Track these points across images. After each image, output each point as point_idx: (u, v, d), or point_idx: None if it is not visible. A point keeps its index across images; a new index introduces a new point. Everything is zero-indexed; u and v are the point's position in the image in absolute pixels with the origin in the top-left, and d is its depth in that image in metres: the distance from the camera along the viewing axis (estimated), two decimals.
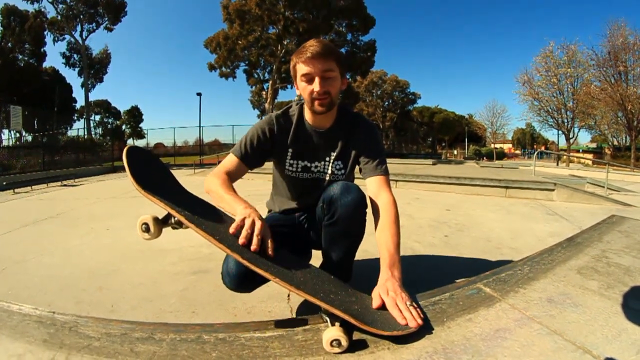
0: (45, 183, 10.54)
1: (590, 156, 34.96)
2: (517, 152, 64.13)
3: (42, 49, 33.42)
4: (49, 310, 1.35)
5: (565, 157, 26.19)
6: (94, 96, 39.92)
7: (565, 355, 0.94)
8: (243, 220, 1.22)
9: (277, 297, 2.02)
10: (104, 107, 43.67)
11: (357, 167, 1.80)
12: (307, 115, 1.72)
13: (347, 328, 1.01)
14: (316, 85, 1.54)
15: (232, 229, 1.19)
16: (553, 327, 1.06)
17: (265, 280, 1.32)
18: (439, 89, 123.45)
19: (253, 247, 1.15)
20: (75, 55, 35.72)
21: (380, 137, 1.79)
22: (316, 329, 1.09)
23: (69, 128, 33.08)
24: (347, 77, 1.76)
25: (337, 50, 1.63)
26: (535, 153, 11.99)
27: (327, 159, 1.75)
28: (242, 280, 1.33)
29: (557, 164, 23.44)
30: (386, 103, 47.98)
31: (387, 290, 1.19)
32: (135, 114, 35.38)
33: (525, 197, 5.49)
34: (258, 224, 1.22)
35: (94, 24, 33.28)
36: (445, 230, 3.50)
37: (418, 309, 1.12)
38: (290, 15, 22.66)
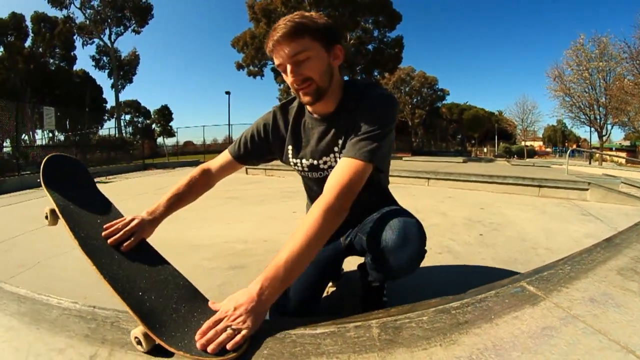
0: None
1: (623, 154, 33.95)
2: (548, 150, 62.65)
3: (72, 53, 34.77)
4: (89, 304, 1.33)
5: (597, 155, 25.48)
6: (123, 96, 40.99)
7: (610, 355, 0.93)
8: (123, 219, 1.35)
9: None
10: (134, 106, 44.67)
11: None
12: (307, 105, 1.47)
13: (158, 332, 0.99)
14: (289, 76, 1.31)
15: (107, 225, 1.31)
16: (597, 326, 1.05)
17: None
18: (468, 84, 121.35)
19: (104, 233, 1.27)
20: (104, 58, 36.95)
21: (387, 111, 1.37)
22: (367, 325, 1.08)
23: (100, 127, 33.94)
24: (340, 44, 1.40)
25: (311, 22, 1.31)
26: (568, 151, 11.72)
27: (336, 149, 1.45)
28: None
29: (590, 163, 22.81)
30: (415, 100, 47.54)
31: (228, 302, 1.07)
32: (165, 113, 36.12)
33: (558, 196, 5.39)
34: (133, 223, 1.33)
35: (121, 27, 34.52)
36: (480, 229, 3.47)
37: (237, 337, 0.97)
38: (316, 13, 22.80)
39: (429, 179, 7.04)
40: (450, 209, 4.54)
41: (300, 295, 1.45)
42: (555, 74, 27.56)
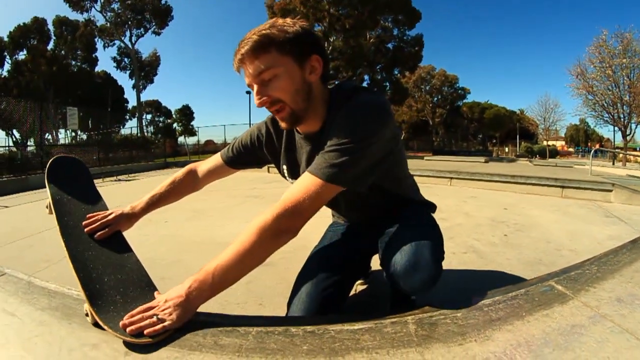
0: (101, 178, 10.98)
1: None
2: (570, 149, 61.42)
3: (93, 55, 35.75)
4: None
5: (621, 155, 24.89)
6: (145, 96, 41.70)
7: (638, 354, 0.95)
8: (104, 212, 1.47)
9: None
10: (155, 106, 45.36)
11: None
12: None
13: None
14: (255, 98, 1.17)
15: (89, 215, 1.44)
16: (625, 325, 1.07)
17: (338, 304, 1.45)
18: (489, 83, 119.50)
19: (84, 222, 1.40)
20: (125, 59, 37.71)
21: (366, 120, 1.14)
22: (404, 321, 1.10)
23: (121, 127, 34.65)
24: (317, 54, 1.21)
25: (280, 32, 1.13)
26: (592, 151, 11.51)
27: None
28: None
29: (613, 163, 22.31)
30: (435, 99, 47.09)
31: (164, 295, 1.12)
32: (186, 113, 36.62)
33: (582, 197, 5.32)
34: (110, 216, 1.44)
35: (142, 29, 35.13)
36: (504, 230, 3.47)
37: (158, 326, 1.01)
38: (336, 12, 22.80)
39: (451, 178, 7.02)
40: (474, 209, 4.53)
41: (327, 293, 1.40)
42: (578, 72, 26.93)
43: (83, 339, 1.06)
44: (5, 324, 1.18)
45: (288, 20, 1.20)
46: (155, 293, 1.20)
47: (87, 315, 1.12)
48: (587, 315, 1.12)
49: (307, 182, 1.12)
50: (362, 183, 1.19)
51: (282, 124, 1.25)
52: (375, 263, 2.10)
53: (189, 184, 1.67)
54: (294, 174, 1.42)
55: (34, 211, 5.80)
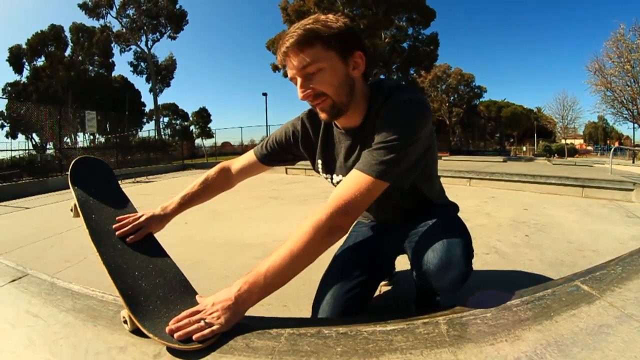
0: (119, 180, 11.10)
1: None
2: (589, 148, 60.28)
3: (110, 60, 36.36)
4: None
5: None
6: (162, 100, 42.19)
7: None
8: (134, 214, 1.48)
9: None
10: (172, 109, 45.82)
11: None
12: None
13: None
14: (299, 91, 1.19)
15: (119, 218, 1.43)
16: None
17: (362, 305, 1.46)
18: (505, 81, 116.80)
19: (115, 225, 1.38)
20: (142, 63, 38.27)
21: (409, 117, 1.16)
22: (435, 322, 1.11)
23: (139, 130, 35.11)
24: (362, 50, 1.23)
25: (322, 28, 1.15)
26: (612, 150, 11.33)
27: None
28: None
29: (633, 162, 21.84)
30: (452, 98, 46.54)
31: (210, 298, 1.12)
32: (203, 115, 36.99)
33: (602, 197, 5.26)
34: (141, 219, 1.45)
35: (157, 34, 35.61)
36: (525, 230, 3.46)
37: (206, 330, 1.01)
38: (350, 13, 22.74)
39: (470, 178, 6.99)
40: (495, 209, 4.52)
41: (352, 294, 1.40)
42: (596, 67, 26.35)
43: (110, 342, 1.06)
44: (29, 326, 1.19)
45: (331, 16, 1.22)
46: (197, 296, 1.20)
47: (125, 322, 1.09)
48: (614, 315, 1.13)
49: (358, 179, 1.14)
50: (408, 179, 1.21)
51: (323, 117, 1.26)
52: (400, 264, 2.14)
53: (222, 182, 1.67)
54: (329, 169, 1.45)
55: (54, 212, 5.93)
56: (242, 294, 1.07)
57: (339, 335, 1.06)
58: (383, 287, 2.13)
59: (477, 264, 2.41)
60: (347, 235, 1.69)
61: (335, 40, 1.16)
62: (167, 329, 1.01)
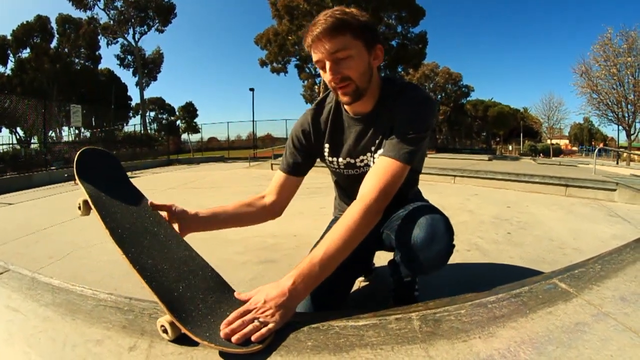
0: None
1: None
2: (574, 148, 61.17)
3: (96, 52, 35.74)
4: (125, 295, 1.33)
5: (625, 154, 24.78)
6: (148, 94, 41.60)
7: None
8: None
9: None
10: (158, 104, 45.33)
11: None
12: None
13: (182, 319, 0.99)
14: (327, 73, 1.28)
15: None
16: (628, 324, 1.07)
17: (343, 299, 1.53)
18: (493, 80, 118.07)
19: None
20: (129, 57, 37.78)
21: (428, 114, 1.35)
22: (408, 318, 1.10)
23: (125, 124, 34.78)
24: (381, 44, 1.36)
25: (353, 19, 1.26)
26: (596, 150, 11.49)
27: (373, 149, 1.45)
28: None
29: (617, 162, 22.21)
30: (439, 96, 46.81)
31: (258, 293, 1.09)
32: (190, 110, 36.58)
33: (585, 196, 5.30)
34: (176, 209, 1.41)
35: (145, 27, 35.20)
36: (507, 228, 3.47)
37: (263, 330, 0.98)
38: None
39: (455, 176, 7.00)
40: (478, 207, 4.52)
41: (328, 289, 1.38)
42: (582, 70, 26.76)
43: (87, 334, 1.06)
44: (8, 320, 1.18)
45: (354, 10, 1.31)
46: (235, 294, 1.15)
47: (164, 332, 1.01)
48: (591, 313, 1.12)
49: (391, 165, 1.27)
50: (421, 165, 1.53)
51: (345, 100, 1.33)
52: (378, 260, 2.12)
53: (258, 211, 1.58)
54: (335, 152, 1.52)
55: (38, 208, 5.84)
56: (296, 287, 1.07)
57: (311, 330, 1.05)
58: (361, 283, 2.12)
59: (458, 260, 2.44)
60: (324, 230, 1.67)
61: (362, 32, 1.27)
62: (221, 334, 0.96)
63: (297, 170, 1.57)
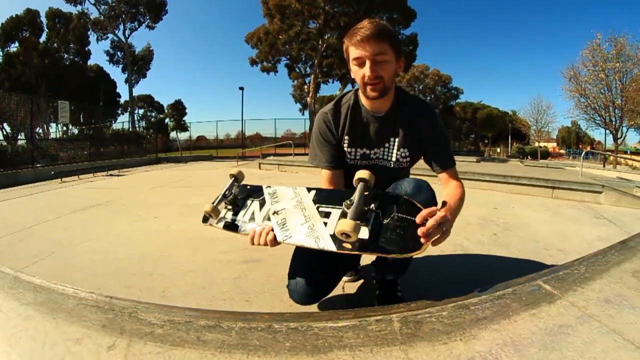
0: (92, 173, 11.03)
1: (639, 158, 33.32)
2: (562, 151, 61.82)
3: (86, 48, 35.16)
4: (105, 294, 1.34)
5: (612, 158, 25.06)
6: (137, 91, 41.30)
7: (625, 354, 0.95)
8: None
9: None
10: (147, 101, 45.01)
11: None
12: (363, 100, 1.68)
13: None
14: (367, 70, 1.50)
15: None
16: (612, 326, 1.07)
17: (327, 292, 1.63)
18: (482, 83, 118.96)
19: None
20: (118, 53, 37.31)
21: (442, 123, 1.74)
22: (388, 319, 1.10)
23: (113, 121, 34.38)
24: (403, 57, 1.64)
25: (392, 31, 1.55)
26: (583, 153, 11.60)
27: (387, 144, 1.69)
28: (309, 299, 1.53)
29: (604, 165, 22.47)
30: (428, 98, 46.89)
31: (441, 209, 1.25)
32: (178, 108, 36.28)
33: (571, 198, 5.34)
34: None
35: (135, 23, 34.75)
36: (493, 229, 3.47)
37: (443, 237, 1.21)
38: (331, 10, 22.72)
39: None
40: (464, 208, 4.40)
41: (317, 278, 1.53)
42: (571, 74, 27.03)
43: (67, 333, 1.07)
44: None
45: (387, 24, 1.61)
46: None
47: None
48: (575, 315, 1.12)
49: (453, 170, 1.72)
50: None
51: (374, 95, 1.55)
52: (364, 259, 2.10)
53: None
54: (354, 144, 1.71)
55: (23, 206, 5.74)
56: (451, 219, 1.26)
57: (289, 331, 1.06)
58: (347, 283, 2.10)
59: (442, 262, 2.41)
60: None
61: (396, 44, 1.54)
62: (419, 232, 1.13)
63: (337, 162, 1.74)
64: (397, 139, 1.67)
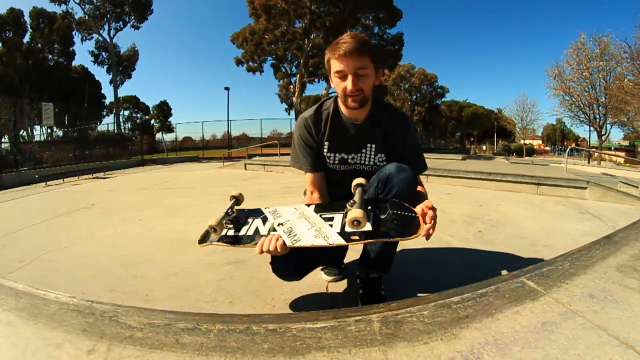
0: (77, 176, 10.94)
1: (622, 154, 33.90)
2: (547, 148, 62.60)
3: (70, 48, 34.71)
4: (87, 299, 1.34)
5: (596, 154, 25.46)
6: (122, 92, 40.74)
7: (610, 350, 0.94)
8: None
9: (315, 287, 2.04)
10: (133, 102, 44.48)
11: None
12: (343, 109, 1.75)
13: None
14: (349, 84, 1.57)
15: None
16: (596, 322, 1.06)
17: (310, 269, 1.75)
18: (468, 82, 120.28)
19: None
20: (103, 53, 36.84)
21: (415, 131, 1.85)
22: (368, 319, 1.08)
23: (98, 123, 34.06)
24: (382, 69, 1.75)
25: (372, 46, 1.65)
26: (567, 150, 11.73)
27: (364, 150, 1.78)
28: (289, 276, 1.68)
29: (589, 162, 22.79)
30: (414, 97, 47.27)
31: (431, 207, 1.33)
32: (164, 109, 35.95)
33: (557, 194, 5.38)
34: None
35: (120, 23, 34.32)
36: (478, 226, 3.46)
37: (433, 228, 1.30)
38: (316, 9, 22.70)
39: (428, 175, 6.95)
40: (449, 205, 4.53)
41: (301, 257, 1.56)
42: (556, 73, 27.52)
43: (48, 338, 1.08)
44: None
45: (367, 38, 1.69)
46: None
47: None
48: (559, 311, 1.11)
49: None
50: None
51: (354, 105, 1.64)
52: (348, 256, 2.08)
53: None
54: (333, 149, 1.80)
55: (7, 211, 5.65)
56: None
57: (268, 332, 1.06)
58: (331, 284, 2.08)
59: (426, 260, 2.39)
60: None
61: (376, 57, 1.63)
62: (425, 228, 1.27)
63: (319, 166, 1.82)
64: (374, 145, 1.77)
